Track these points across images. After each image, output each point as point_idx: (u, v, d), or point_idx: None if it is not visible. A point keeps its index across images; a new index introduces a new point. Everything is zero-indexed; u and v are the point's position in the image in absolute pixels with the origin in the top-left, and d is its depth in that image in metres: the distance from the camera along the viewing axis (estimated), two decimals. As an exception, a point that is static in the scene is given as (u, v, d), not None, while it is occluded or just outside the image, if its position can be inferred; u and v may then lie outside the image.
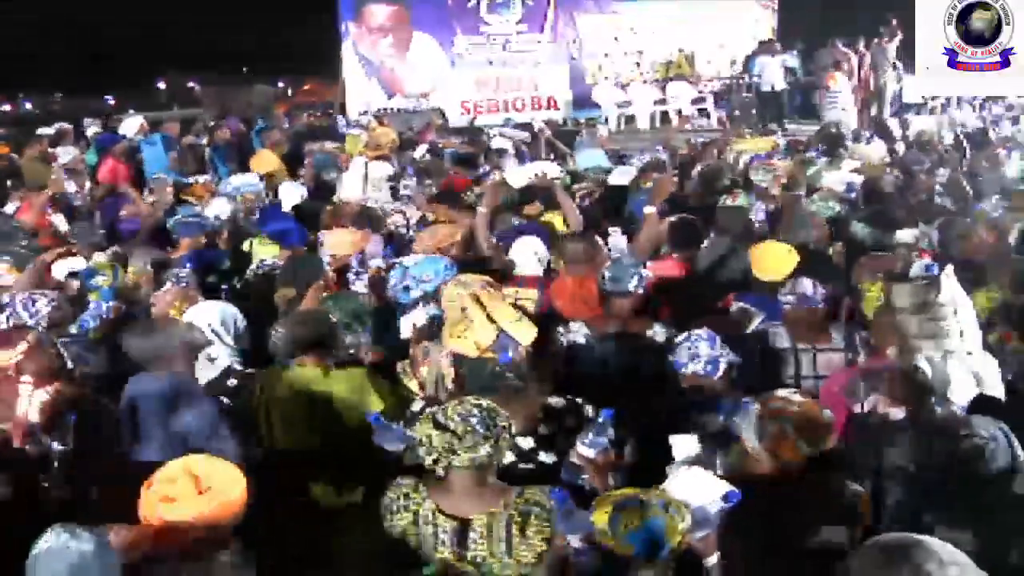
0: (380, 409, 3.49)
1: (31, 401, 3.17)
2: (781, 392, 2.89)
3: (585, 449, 2.80)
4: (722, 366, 3.54)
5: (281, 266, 5.41)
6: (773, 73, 14.81)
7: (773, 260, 4.75)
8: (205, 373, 3.85)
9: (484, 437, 2.57)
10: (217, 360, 3.87)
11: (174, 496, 2.30)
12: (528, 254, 4.98)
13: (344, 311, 4.05)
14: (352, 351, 4.02)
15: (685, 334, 3.65)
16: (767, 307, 4.46)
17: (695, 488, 2.39)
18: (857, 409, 3.41)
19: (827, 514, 2.70)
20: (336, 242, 5.20)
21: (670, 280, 5.05)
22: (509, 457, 3.00)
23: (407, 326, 4.20)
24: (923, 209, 6.26)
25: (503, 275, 4.77)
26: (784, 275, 4.57)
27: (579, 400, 3.20)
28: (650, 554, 2.24)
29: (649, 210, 5.26)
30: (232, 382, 3.86)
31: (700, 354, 3.55)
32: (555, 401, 3.18)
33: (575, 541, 2.36)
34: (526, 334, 3.24)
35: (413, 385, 3.66)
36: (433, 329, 3.84)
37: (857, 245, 5.65)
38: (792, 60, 15.19)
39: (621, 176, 7.68)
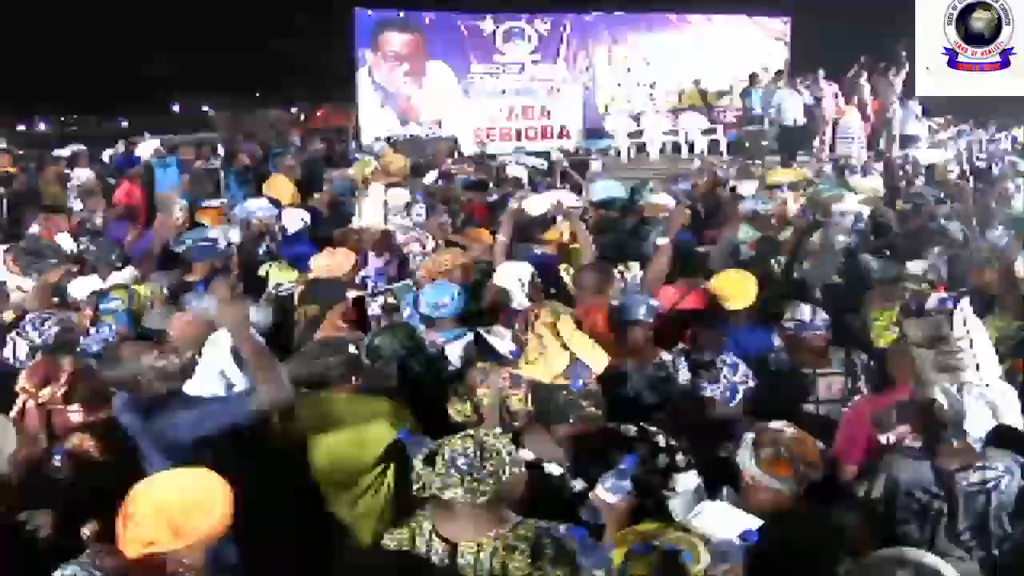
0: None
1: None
2: (775, 423, 2.94)
3: (606, 494, 2.72)
4: (740, 394, 3.59)
5: (301, 288, 5.41)
6: (794, 107, 14.72)
7: (733, 289, 4.77)
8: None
9: (459, 481, 2.51)
10: (236, 387, 3.84)
11: (151, 540, 2.28)
12: (512, 281, 4.95)
13: (402, 344, 3.97)
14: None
15: (715, 360, 3.69)
16: (738, 335, 4.50)
17: (719, 522, 2.40)
18: (884, 439, 3.43)
19: (826, 547, 2.71)
20: (320, 265, 5.36)
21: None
22: (580, 484, 2.98)
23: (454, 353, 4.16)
24: (931, 240, 6.30)
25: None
26: (750, 301, 4.64)
27: (651, 428, 3.15)
28: None
29: (662, 241, 5.18)
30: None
31: (721, 380, 3.61)
32: (625, 429, 3.14)
33: (599, 574, 2.32)
34: (599, 361, 3.25)
35: (467, 408, 3.60)
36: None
37: (866, 276, 5.67)
38: (810, 96, 15.18)
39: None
